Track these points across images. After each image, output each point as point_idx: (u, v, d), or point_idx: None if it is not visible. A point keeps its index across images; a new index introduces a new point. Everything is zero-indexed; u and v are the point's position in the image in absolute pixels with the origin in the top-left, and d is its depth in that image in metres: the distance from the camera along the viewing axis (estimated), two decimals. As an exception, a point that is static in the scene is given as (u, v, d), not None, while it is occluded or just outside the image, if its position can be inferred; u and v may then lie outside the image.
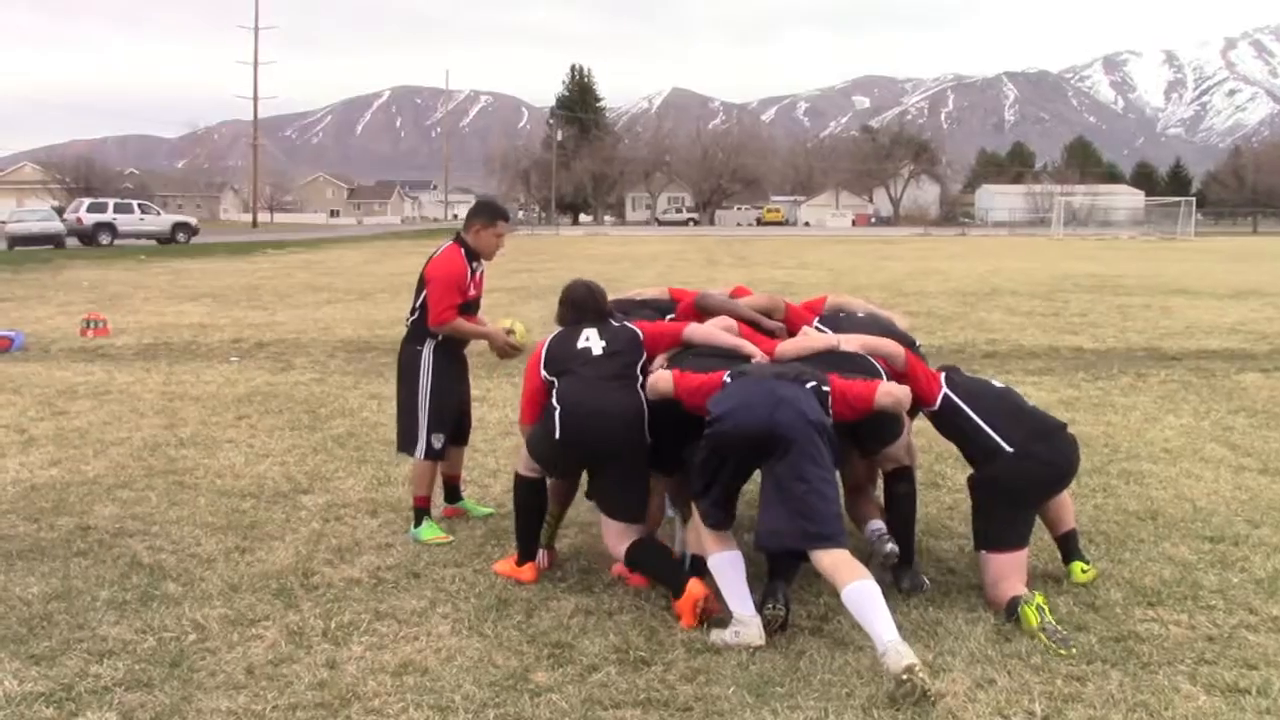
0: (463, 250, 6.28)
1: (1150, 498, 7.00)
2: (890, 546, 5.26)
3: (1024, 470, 5.13)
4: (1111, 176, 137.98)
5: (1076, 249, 49.20)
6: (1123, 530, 6.30)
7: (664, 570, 5.16)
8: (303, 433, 8.96)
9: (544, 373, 5.48)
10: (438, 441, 6.23)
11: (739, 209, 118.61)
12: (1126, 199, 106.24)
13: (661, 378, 5.11)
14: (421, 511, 6.24)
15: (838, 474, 4.83)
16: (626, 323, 5.70)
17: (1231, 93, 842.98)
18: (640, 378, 5.37)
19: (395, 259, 38.06)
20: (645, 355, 5.46)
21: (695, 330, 5.52)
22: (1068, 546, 5.50)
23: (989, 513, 5.21)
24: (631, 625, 4.86)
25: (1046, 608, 4.72)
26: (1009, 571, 5.04)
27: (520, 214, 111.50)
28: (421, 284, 6.30)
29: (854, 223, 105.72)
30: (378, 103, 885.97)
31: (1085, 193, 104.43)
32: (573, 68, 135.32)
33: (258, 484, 7.31)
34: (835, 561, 4.48)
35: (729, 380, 4.89)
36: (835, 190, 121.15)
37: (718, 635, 4.62)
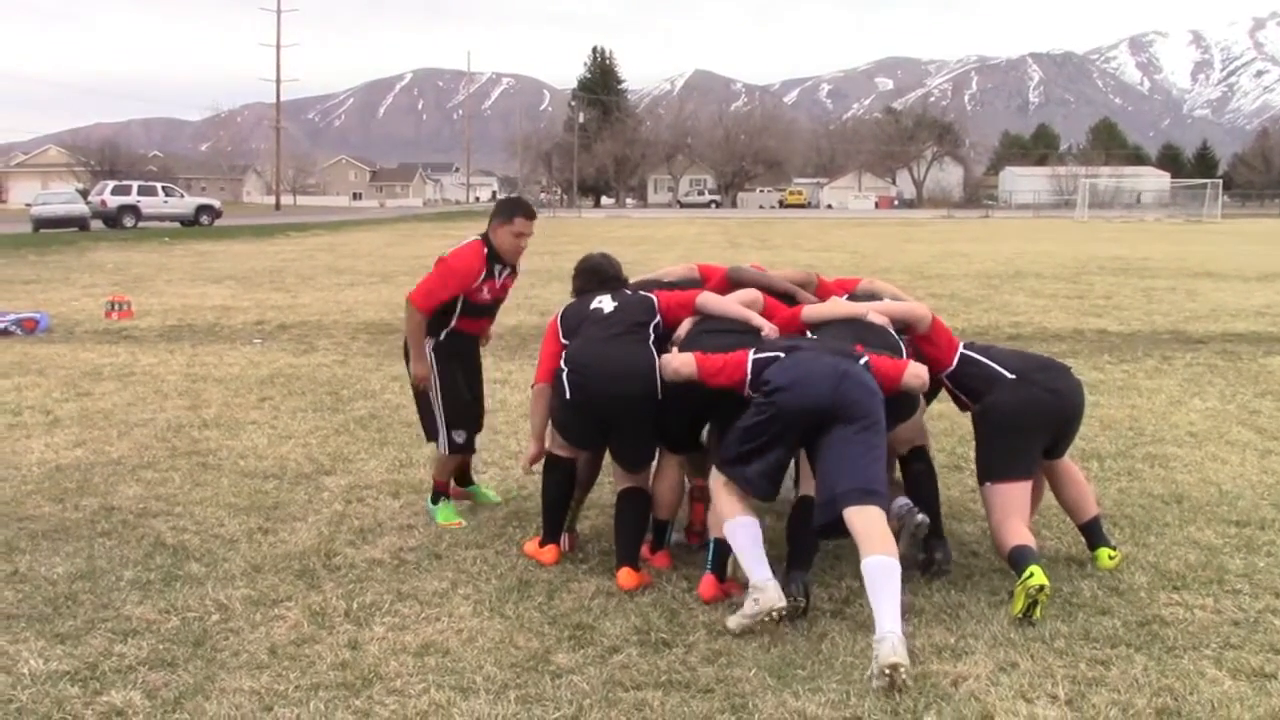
0: (486, 249, 5.96)
1: (1175, 481, 6.95)
2: (921, 516, 5.22)
3: (1025, 396, 5.15)
4: (1137, 158, 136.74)
5: (1101, 231, 48.87)
6: (1147, 514, 6.25)
7: (624, 533, 5.26)
8: (325, 414, 8.99)
9: (562, 338, 5.53)
10: (459, 437, 6.10)
11: (761, 191, 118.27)
12: (1152, 181, 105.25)
13: (684, 361, 5.07)
14: (440, 493, 6.21)
15: None
16: (642, 291, 5.72)
17: (1259, 74, 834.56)
18: (651, 335, 5.37)
19: (417, 241, 38.13)
20: (659, 319, 5.46)
21: (708, 299, 5.51)
22: (1092, 533, 5.46)
23: (991, 441, 5.22)
24: (652, 607, 4.86)
25: (1042, 602, 4.61)
26: (1012, 508, 5.01)
27: (543, 197, 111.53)
28: None
29: (877, 205, 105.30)
30: (400, 85, 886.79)
31: (1110, 175, 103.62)
32: (594, 49, 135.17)
33: (280, 465, 7.34)
34: (869, 526, 4.41)
35: (782, 354, 4.86)
36: (858, 172, 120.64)
37: (737, 620, 4.54)
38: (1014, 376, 5.21)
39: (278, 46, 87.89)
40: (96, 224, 44.95)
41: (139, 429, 8.42)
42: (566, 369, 5.30)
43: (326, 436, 8.20)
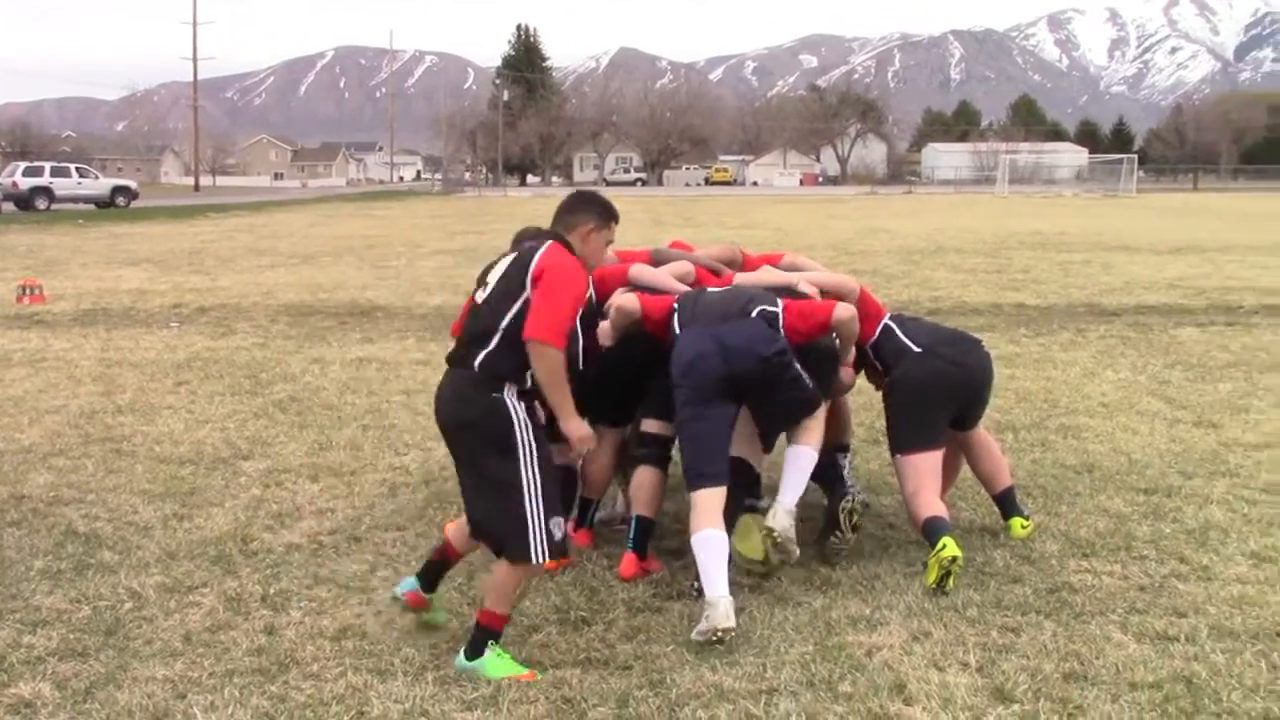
0: None
1: (1087, 451, 7.10)
2: (848, 502, 5.24)
3: (930, 368, 5.26)
4: (1056, 134, 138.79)
5: (1021, 206, 49.61)
6: (1059, 483, 6.39)
7: None
8: (243, 398, 8.86)
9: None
10: (558, 530, 4.12)
11: (687, 169, 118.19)
12: (1070, 157, 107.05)
13: (628, 299, 5.11)
14: (494, 633, 4.11)
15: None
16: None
17: (1173, 50, 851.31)
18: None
19: (340, 222, 37.70)
20: (592, 293, 5.38)
21: (642, 270, 5.52)
22: (1005, 503, 5.57)
23: (899, 413, 5.33)
24: (572, 585, 4.87)
25: (955, 573, 4.69)
26: (924, 477, 5.11)
27: (467, 175, 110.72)
28: (512, 290, 4.13)
29: (801, 182, 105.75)
30: (321, 63, 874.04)
31: (1030, 150, 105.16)
32: (518, 27, 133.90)
33: (197, 450, 7.23)
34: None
35: (678, 327, 4.90)
36: (783, 150, 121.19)
37: (697, 632, 4.28)
38: (920, 350, 5.31)
39: (194, 23, 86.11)
40: (8, 206, 43.74)
41: (51, 416, 8.24)
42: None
43: (244, 420, 8.09)
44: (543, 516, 4.02)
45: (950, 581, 4.68)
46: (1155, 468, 6.69)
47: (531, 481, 4.01)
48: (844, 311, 4.99)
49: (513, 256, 4.28)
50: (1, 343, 11.65)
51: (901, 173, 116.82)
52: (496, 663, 4.03)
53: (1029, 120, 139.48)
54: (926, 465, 5.16)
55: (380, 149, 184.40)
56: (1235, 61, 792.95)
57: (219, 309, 14.40)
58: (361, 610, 4.60)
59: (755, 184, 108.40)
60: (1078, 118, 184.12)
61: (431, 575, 4.45)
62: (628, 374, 5.26)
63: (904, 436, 5.26)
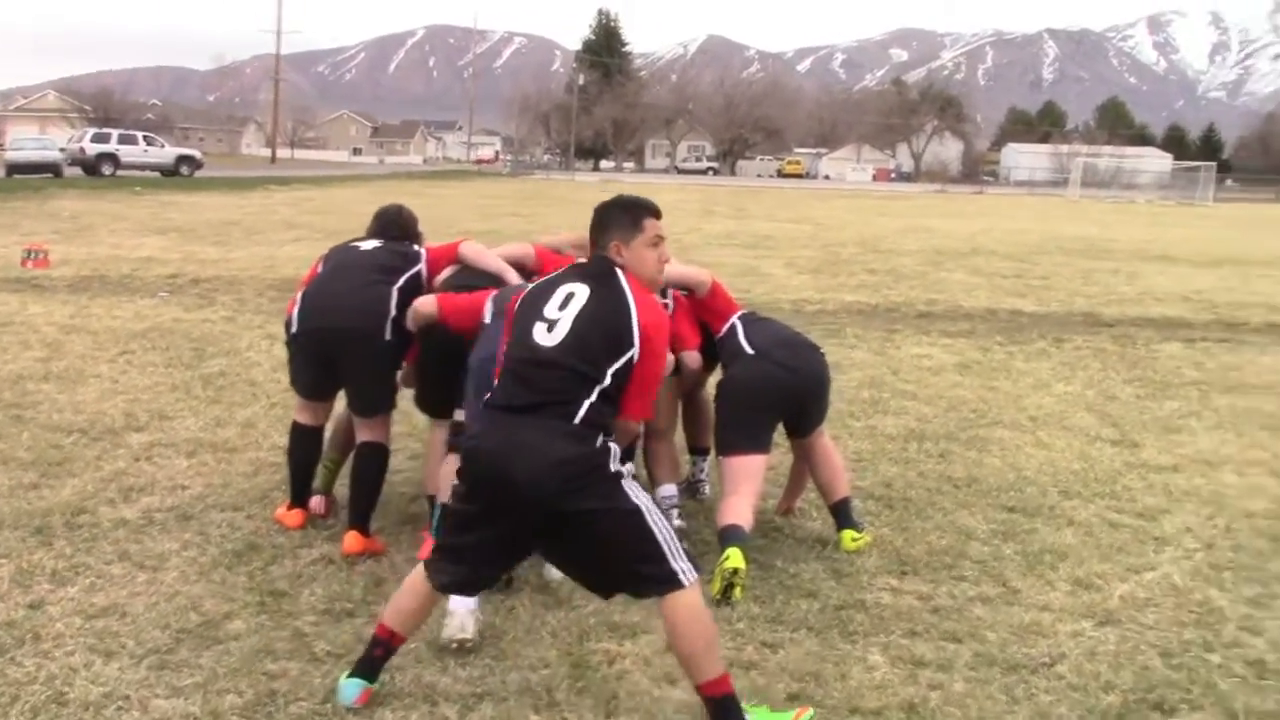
0: None
1: (981, 465, 6.90)
2: (678, 523, 5.23)
3: (760, 370, 5.16)
4: (1143, 139, 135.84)
5: (1087, 211, 48.64)
6: (929, 497, 6.21)
7: (355, 492, 5.24)
8: (175, 370, 8.93)
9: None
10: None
11: (761, 160, 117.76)
12: (1153, 162, 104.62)
13: (424, 302, 5.07)
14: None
15: None
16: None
17: (1277, 56, 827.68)
18: (400, 281, 5.26)
19: (395, 199, 37.76)
20: (420, 269, 5.36)
21: (469, 248, 5.48)
22: (840, 515, 5.44)
23: (722, 414, 5.24)
24: (365, 575, 4.83)
25: (739, 585, 4.58)
26: (739, 481, 5.01)
27: (545, 158, 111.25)
28: (616, 347, 3.60)
29: (874, 177, 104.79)
30: (411, 41, 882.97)
31: (1112, 154, 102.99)
32: (599, 11, 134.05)
33: (93, 420, 7.28)
34: None
35: (489, 317, 4.83)
36: (857, 144, 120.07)
37: (442, 637, 4.19)
38: (752, 352, 5.21)
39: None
40: (74, 171, 44.77)
41: (-22, 380, 8.36)
42: (298, 303, 5.27)
43: (160, 393, 8.15)
44: (683, 553, 3.55)
45: (736, 592, 4.57)
46: (1039, 485, 6.49)
47: (660, 526, 3.54)
48: None
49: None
50: (-19, 305, 11.87)
51: (977, 172, 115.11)
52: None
53: (1116, 123, 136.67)
54: (746, 468, 5.06)
55: (460, 128, 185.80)
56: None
57: (213, 281, 14.54)
58: (138, 590, 4.59)
59: (827, 178, 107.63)
60: (1172, 123, 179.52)
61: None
62: (440, 365, 5.19)
63: (726, 438, 5.16)
